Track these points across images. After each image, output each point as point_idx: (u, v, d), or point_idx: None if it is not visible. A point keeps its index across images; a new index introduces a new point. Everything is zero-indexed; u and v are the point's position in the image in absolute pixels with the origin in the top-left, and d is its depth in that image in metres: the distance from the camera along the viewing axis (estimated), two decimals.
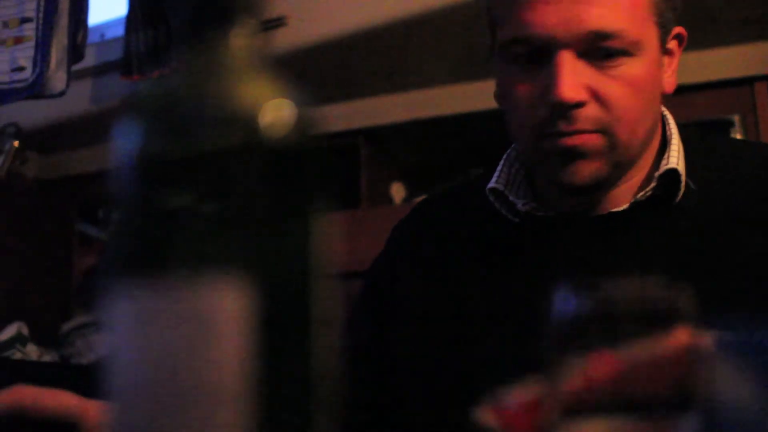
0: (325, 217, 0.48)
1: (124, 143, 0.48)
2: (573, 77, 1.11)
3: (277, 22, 3.13)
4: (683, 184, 1.18)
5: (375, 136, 3.61)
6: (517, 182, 1.27)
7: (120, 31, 3.51)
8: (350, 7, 3.19)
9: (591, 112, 1.12)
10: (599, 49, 1.12)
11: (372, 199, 3.52)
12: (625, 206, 1.20)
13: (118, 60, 3.44)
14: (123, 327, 0.46)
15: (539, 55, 1.13)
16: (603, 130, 1.13)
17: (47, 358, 3.24)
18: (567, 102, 1.11)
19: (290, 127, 0.47)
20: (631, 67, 1.13)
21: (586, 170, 1.14)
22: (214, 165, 0.45)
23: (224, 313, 0.44)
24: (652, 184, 1.19)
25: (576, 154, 1.13)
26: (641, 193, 1.19)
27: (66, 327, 3.43)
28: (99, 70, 3.73)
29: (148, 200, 0.46)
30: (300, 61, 3.18)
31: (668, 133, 1.24)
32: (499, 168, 1.28)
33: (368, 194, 3.52)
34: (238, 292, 0.44)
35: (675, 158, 1.19)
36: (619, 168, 1.18)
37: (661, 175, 1.18)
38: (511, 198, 1.24)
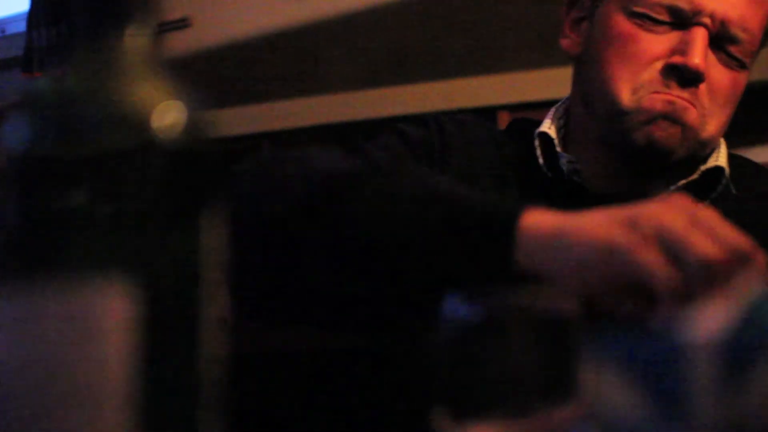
0: (217, 221, 0.48)
1: (14, 141, 0.47)
2: (705, 51, 1.13)
3: (181, 23, 3.10)
4: (725, 180, 1.20)
5: (280, 140, 3.60)
6: (559, 137, 1.25)
7: (22, 27, 3.45)
8: (257, 8, 3.18)
9: (701, 91, 1.14)
10: (727, 44, 1.15)
11: None
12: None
13: (20, 56, 3.38)
14: (6, 327, 0.45)
15: (673, 18, 1.15)
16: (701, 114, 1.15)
17: None
18: (697, 70, 1.12)
19: (182, 130, 0.46)
20: (740, 77, 1.18)
21: (674, 135, 1.14)
22: (104, 166, 0.45)
23: (109, 314, 0.43)
24: (694, 176, 1.20)
25: (673, 118, 1.14)
26: (680, 182, 1.19)
27: None
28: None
29: (35, 200, 0.45)
30: (205, 63, 3.15)
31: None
32: (547, 120, 1.26)
33: None
34: (124, 294, 0.44)
35: (724, 160, 1.22)
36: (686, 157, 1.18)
37: (707, 170, 1.20)
38: (558, 150, 1.22)
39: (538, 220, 0.84)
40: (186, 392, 0.46)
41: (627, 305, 0.79)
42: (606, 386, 0.64)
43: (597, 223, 0.82)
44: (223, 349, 0.47)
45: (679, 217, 0.80)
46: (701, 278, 0.76)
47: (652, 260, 0.77)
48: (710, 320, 0.66)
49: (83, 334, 0.43)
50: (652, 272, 0.77)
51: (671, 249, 0.78)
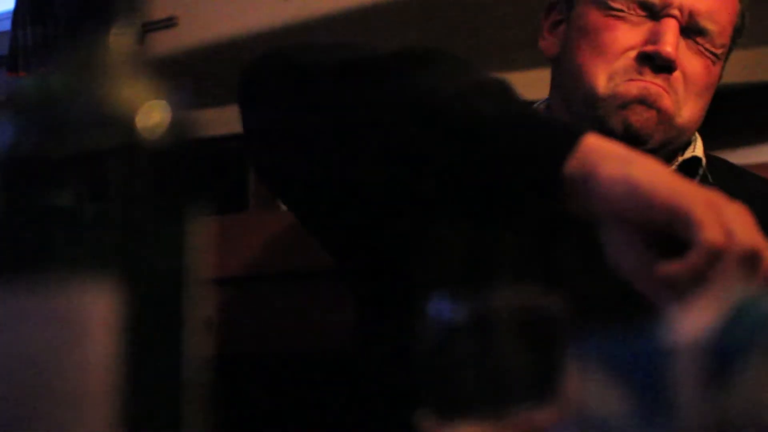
0: (202, 221, 0.48)
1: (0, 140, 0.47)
2: (676, 40, 1.18)
3: (167, 22, 3.10)
4: (702, 170, 1.25)
5: None
6: None
7: (7, 26, 3.44)
8: (246, 7, 3.17)
9: (675, 78, 1.19)
10: (697, 35, 1.21)
11: (260, 203, 3.50)
12: None
13: (5, 55, 3.36)
14: None
15: (644, 11, 1.20)
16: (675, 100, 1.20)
17: None
18: (669, 57, 1.17)
19: (166, 130, 0.46)
20: (713, 68, 1.23)
21: (650, 120, 1.18)
22: (88, 165, 0.45)
23: (94, 314, 0.43)
24: (672, 167, 1.24)
25: (647, 103, 1.18)
26: None
27: None
28: None
29: (20, 199, 0.45)
30: (192, 63, 3.14)
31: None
32: None
33: (256, 198, 3.50)
34: (109, 294, 0.44)
35: (700, 151, 1.27)
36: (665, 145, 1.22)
37: (685, 160, 1.26)
38: None
39: (603, 141, 0.88)
40: (171, 392, 0.46)
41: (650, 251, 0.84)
42: (590, 386, 0.64)
43: (667, 172, 0.87)
44: (208, 349, 0.47)
45: (741, 209, 0.85)
46: (735, 261, 0.81)
47: (706, 217, 0.81)
48: (696, 320, 0.67)
49: (68, 333, 0.43)
50: (700, 225, 0.81)
51: (725, 225, 0.82)
